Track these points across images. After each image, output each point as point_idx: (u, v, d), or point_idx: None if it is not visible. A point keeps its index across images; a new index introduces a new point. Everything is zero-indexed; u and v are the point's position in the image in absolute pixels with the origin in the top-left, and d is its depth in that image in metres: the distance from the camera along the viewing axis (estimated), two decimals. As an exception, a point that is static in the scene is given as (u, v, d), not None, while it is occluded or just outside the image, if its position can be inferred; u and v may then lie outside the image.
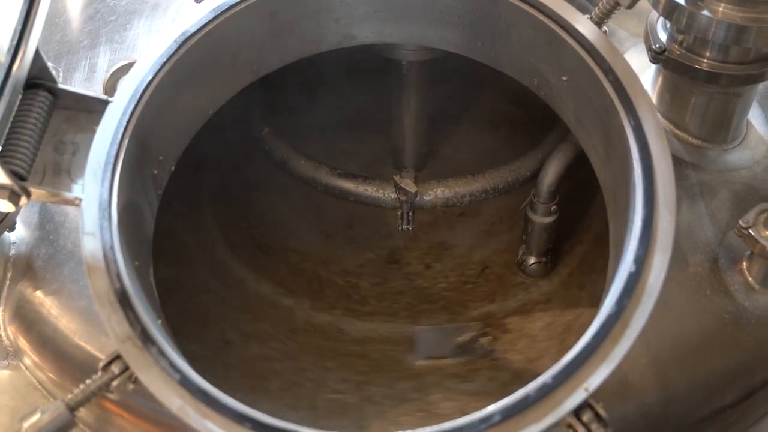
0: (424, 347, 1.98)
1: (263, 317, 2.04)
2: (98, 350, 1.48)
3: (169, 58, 1.43)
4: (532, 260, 2.08)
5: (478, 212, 2.26)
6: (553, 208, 1.98)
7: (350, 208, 2.22)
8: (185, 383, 1.18)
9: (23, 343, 1.56)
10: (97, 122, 1.38)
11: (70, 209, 1.59)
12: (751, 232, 1.43)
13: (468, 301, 2.10)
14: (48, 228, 1.59)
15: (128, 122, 1.37)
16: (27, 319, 1.54)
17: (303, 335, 2.02)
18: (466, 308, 2.08)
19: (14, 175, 1.31)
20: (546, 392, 1.14)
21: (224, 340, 1.94)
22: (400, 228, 2.20)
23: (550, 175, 1.92)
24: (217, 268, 2.10)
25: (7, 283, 1.57)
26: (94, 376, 1.22)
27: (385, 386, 1.90)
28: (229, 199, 2.23)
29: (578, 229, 2.11)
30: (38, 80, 1.40)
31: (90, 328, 1.50)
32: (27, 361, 1.56)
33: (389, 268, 2.21)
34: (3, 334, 1.58)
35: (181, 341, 1.41)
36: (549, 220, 1.99)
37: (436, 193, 2.15)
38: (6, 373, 1.59)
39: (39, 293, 1.54)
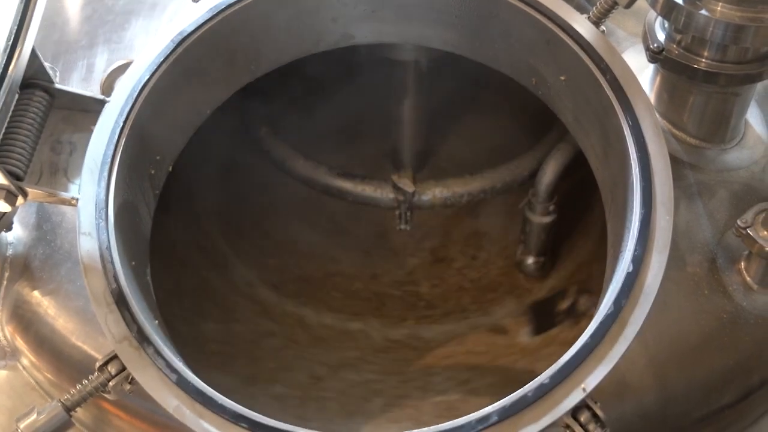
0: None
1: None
2: (95, 350, 1.47)
3: (166, 58, 1.43)
4: (530, 260, 2.08)
5: (479, 212, 2.26)
6: (552, 207, 1.98)
7: (352, 207, 2.22)
8: (181, 383, 1.18)
9: (20, 343, 1.55)
10: (94, 122, 1.38)
11: (67, 209, 1.59)
12: (749, 232, 1.43)
13: (470, 303, 2.10)
14: (45, 228, 1.58)
15: (125, 122, 1.37)
16: (24, 319, 1.54)
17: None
18: (467, 310, 2.08)
19: (11, 175, 1.31)
20: (543, 392, 1.15)
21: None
22: (398, 228, 2.20)
23: (549, 174, 1.92)
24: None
25: (4, 283, 1.56)
26: (90, 377, 1.23)
27: (381, 387, 1.91)
28: (227, 199, 2.23)
29: (577, 228, 2.11)
30: (35, 80, 1.41)
31: (87, 328, 1.49)
32: (24, 361, 1.56)
33: (391, 269, 2.21)
34: (0, 335, 1.57)
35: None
36: (547, 219, 2.00)
37: (434, 193, 2.14)
38: (3, 373, 1.59)
39: (36, 293, 1.54)
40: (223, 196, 2.23)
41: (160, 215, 1.53)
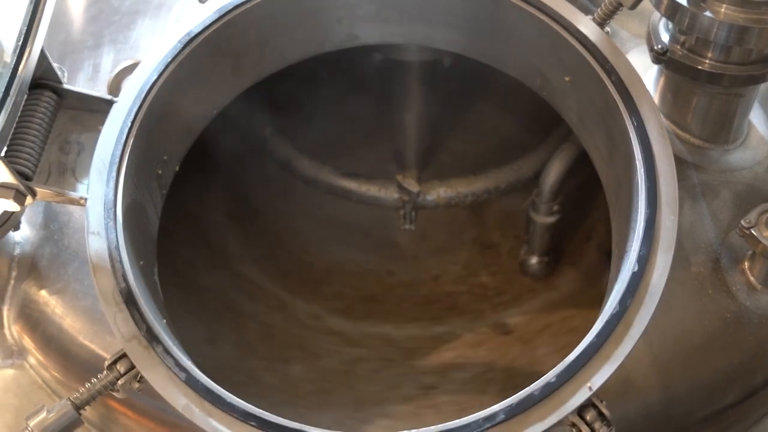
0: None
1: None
2: (103, 349, 1.48)
3: (173, 59, 1.43)
4: (533, 260, 2.09)
5: (489, 216, 2.26)
6: (555, 207, 1.99)
7: (353, 207, 2.23)
8: (190, 382, 1.18)
9: (28, 342, 1.56)
10: (101, 122, 1.39)
11: (74, 209, 1.60)
12: (753, 232, 1.43)
13: (475, 303, 2.11)
14: (52, 228, 1.59)
15: (133, 122, 1.37)
16: (31, 319, 1.54)
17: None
18: (473, 311, 2.08)
19: (20, 174, 1.31)
20: (550, 391, 1.15)
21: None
22: (402, 227, 2.21)
23: (552, 175, 1.92)
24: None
25: (12, 282, 1.57)
26: (99, 375, 1.23)
27: (386, 386, 1.91)
28: (233, 198, 2.23)
29: (581, 228, 2.11)
30: (43, 80, 1.41)
31: (94, 327, 1.50)
32: (31, 360, 1.57)
33: (397, 269, 2.21)
34: (7, 333, 1.58)
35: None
36: (551, 219, 2.00)
37: (439, 193, 2.15)
38: (10, 372, 1.59)
39: (43, 292, 1.54)
40: (227, 195, 2.23)
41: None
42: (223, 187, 2.22)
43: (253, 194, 2.26)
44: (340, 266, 2.21)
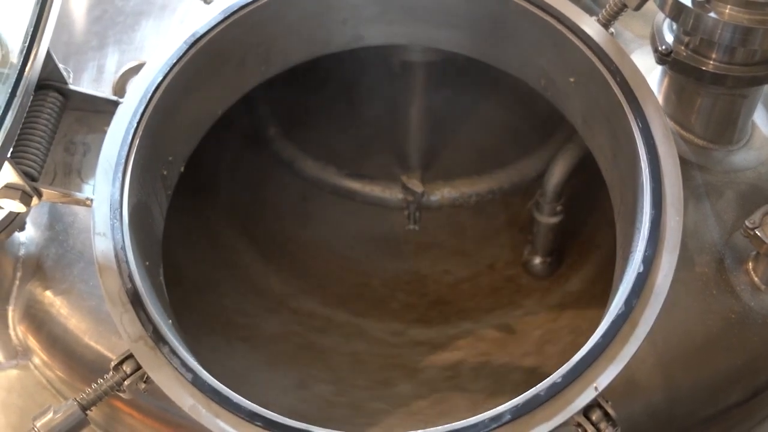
0: None
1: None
2: (108, 350, 1.48)
3: (179, 60, 1.43)
4: (537, 260, 2.09)
5: (493, 216, 2.27)
6: (559, 208, 1.99)
7: (360, 208, 2.23)
8: (197, 382, 1.19)
9: (33, 342, 1.57)
10: (107, 123, 1.39)
11: (79, 210, 1.60)
12: (757, 232, 1.44)
13: (479, 303, 2.11)
14: (57, 228, 1.59)
15: (138, 123, 1.38)
16: (36, 319, 1.55)
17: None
18: (476, 311, 2.09)
19: (26, 175, 1.32)
20: (556, 391, 1.15)
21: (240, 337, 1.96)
22: (406, 228, 2.21)
23: (556, 175, 1.93)
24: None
25: (17, 282, 1.58)
26: (106, 376, 1.23)
27: (389, 386, 1.91)
28: (236, 200, 2.23)
29: (585, 229, 2.11)
30: (49, 81, 1.42)
31: (100, 327, 1.50)
32: (36, 360, 1.57)
33: (400, 269, 2.22)
34: (12, 334, 1.58)
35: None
36: (554, 220, 2.01)
37: (443, 193, 2.16)
38: (15, 372, 1.60)
39: (48, 293, 1.55)
40: (231, 195, 2.24)
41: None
42: (226, 187, 2.23)
43: (256, 193, 2.27)
44: (342, 266, 2.21)
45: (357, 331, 2.05)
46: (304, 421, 1.16)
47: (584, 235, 2.11)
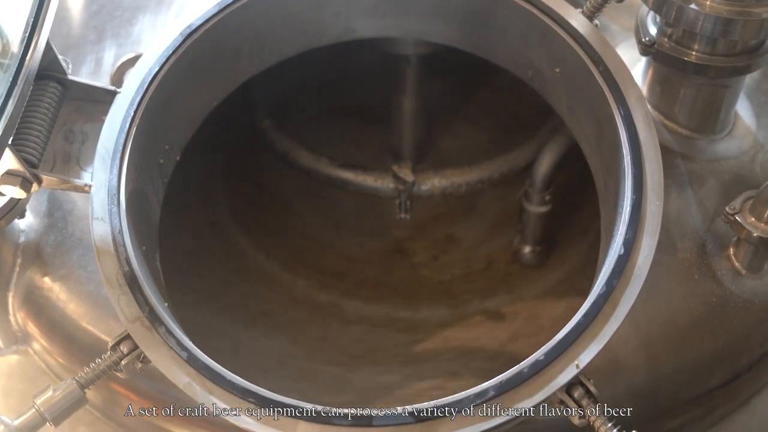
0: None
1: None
2: (105, 334, 1.51)
3: (174, 51, 1.46)
4: (527, 249, 2.12)
5: (482, 206, 2.30)
6: (548, 197, 2.01)
7: (353, 197, 2.26)
8: (192, 361, 1.21)
9: (32, 328, 1.59)
10: (105, 112, 1.42)
11: (77, 197, 1.63)
12: (737, 218, 1.46)
13: (469, 290, 2.14)
14: (56, 216, 1.62)
15: (135, 112, 1.40)
16: (36, 305, 1.57)
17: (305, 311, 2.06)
18: (466, 297, 2.12)
19: (26, 162, 1.34)
20: (539, 368, 1.18)
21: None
22: (398, 217, 2.24)
23: (544, 165, 1.95)
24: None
25: (17, 269, 1.60)
26: (103, 356, 1.25)
27: (381, 368, 1.94)
28: (231, 188, 2.26)
29: (574, 219, 2.14)
30: (49, 71, 1.44)
31: (98, 312, 1.52)
32: (36, 345, 1.60)
33: (391, 256, 2.24)
34: (12, 320, 1.61)
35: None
36: (543, 209, 2.03)
37: (433, 183, 2.19)
38: (15, 357, 1.62)
39: (47, 279, 1.57)
40: (226, 184, 2.26)
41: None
42: (221, 176, 2.25)
43: (249, 183, 2.29)
44: (335, 254, 2.24)
45: (347, 316, 2.07)
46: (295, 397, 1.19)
47: (574, 224, 2.13)
